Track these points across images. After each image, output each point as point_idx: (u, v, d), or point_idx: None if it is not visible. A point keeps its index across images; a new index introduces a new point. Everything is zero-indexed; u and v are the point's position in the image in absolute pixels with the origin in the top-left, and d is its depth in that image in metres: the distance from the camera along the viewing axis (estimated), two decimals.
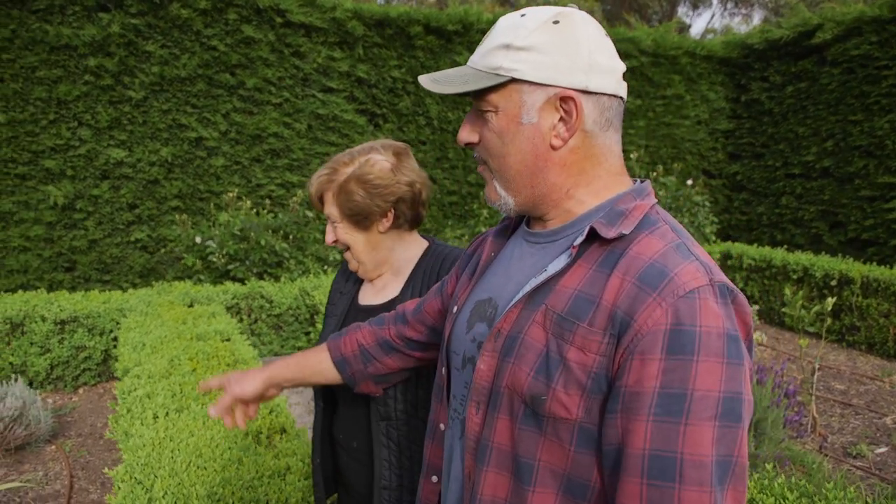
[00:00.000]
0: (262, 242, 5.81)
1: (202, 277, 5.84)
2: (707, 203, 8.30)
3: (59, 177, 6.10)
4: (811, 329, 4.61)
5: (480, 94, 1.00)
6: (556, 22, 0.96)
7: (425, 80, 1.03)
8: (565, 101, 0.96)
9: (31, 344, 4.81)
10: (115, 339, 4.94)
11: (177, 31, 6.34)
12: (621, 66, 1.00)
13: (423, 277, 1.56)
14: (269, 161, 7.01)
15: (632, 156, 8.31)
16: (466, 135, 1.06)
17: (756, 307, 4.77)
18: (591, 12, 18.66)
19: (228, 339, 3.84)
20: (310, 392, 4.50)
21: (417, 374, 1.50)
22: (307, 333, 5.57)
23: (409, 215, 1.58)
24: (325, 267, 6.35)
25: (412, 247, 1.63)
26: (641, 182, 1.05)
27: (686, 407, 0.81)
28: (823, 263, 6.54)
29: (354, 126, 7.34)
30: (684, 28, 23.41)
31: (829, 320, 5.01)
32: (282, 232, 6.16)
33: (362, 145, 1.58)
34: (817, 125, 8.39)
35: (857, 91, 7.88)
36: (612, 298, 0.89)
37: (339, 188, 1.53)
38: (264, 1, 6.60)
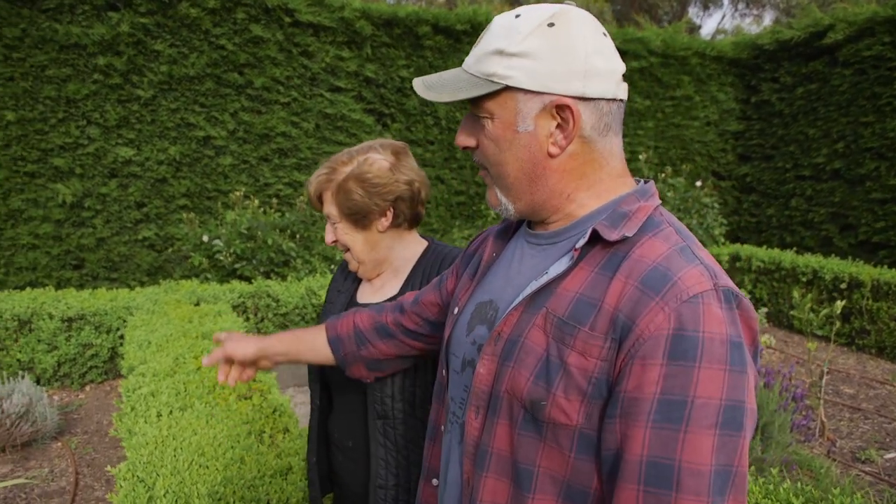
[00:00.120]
0: (269, 241, 5.81)
1: (209, 276, 5.85)
2: (716, 205, 8.26)
3: (68, 175, 6.12)
4: (820, 332, 4.58)
5: (476, 100, 0.98)
6: (551, 24, 0.93)
7: (419, 86, 1.02)
8: (562, 109, 0.93)
9: (39, 341, 4.83)
10: (122, 336, 4.95)
11: (185, 31, 6.35)
12: (620, 68, 0.97)
13: (422, 277, 1.55)
14: (277, 160, 7.02)
15: (640, 157, 8.28)
16: (464, 139, 1.04)
17: (764, 310, 4.74)
18: (600, 13, 18.63)
19: None
20: None
21: (415, 373, 1.49)
22: None
23: (409, 214, 1.57)
24: (332, 266, 6.35)
25: (411, 246, 1.63)
26: (645, 182, 1.03)
27: (686, 414, 0.79)
28: (833, 266, 6.49)
29: (362, 126, 7.34)
30: (694, 28, 23.33)
31: (838, 323, 4.97)
32: (289, 231, 6.16)
33: (361, 144, 1.57)
34: (828, 127, 8.33)
35: (869, 92, 7.82)
36: (614, 302, 0.87)
37: (337, 187, 1.52)
38: (273, 0, 6.61)
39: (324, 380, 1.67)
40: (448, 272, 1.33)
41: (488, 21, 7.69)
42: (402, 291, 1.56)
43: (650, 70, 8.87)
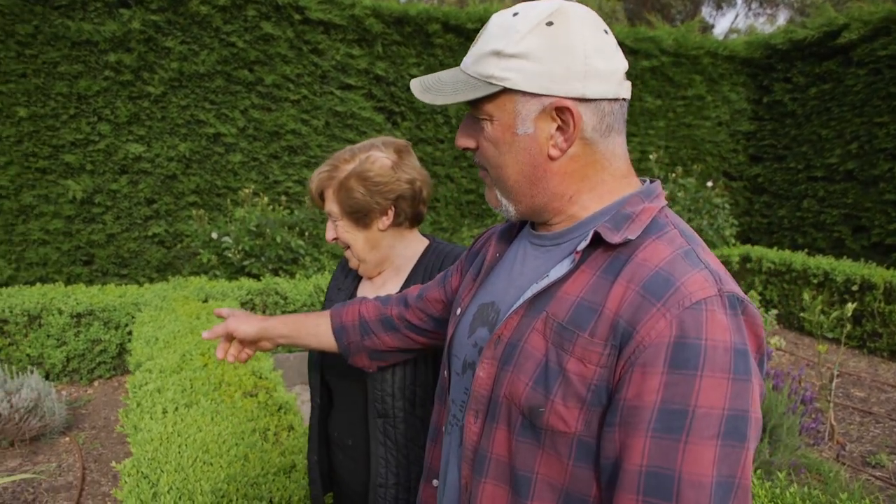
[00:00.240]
0: (278, 239, 5.82)
1: (218, 273, 5.86)
2: (727, 205, 8.20)
3: (79, 171, 6.15)
4: (831, 335, 4.53)
5: (474, 102, 0.96)
6: (549, 23, 0.90)
7: (416, 87, 1.00)
8: (561, 111, 0.91)
9: (48, 336, 4.85)
10: (130, 332, 4.97)
11: (196, 28, 6.36)
12: (622, 66, 0.94)
13: (423, 275, 1.54)
14: (287, 158, 7.03)
15: (651, 156, 8.23)
16: (463, 140, 1.02)
17: (775, 311, 4.70)
18: (612, 12, 18.55)
19: None
20: None
21: (416, 371, 1.48)
22: None
23: (410, 213, 1.56)
24: None
25: (413, 245, 1.62)
26: (651, 182, 1.00)
27: (687, 424, 0.77)
28: (845, 268, 6.43)
29: (372, 123, 7.34)
30: (707, 28, 23.21)
31: (849, 326, 4.92)
32: (297, 229, 6.17)
33: (363, 142, 1.56)
34: (841, 127, 8.26)
35: (884, 92, 7.74)
36: (614, 307, 0.85)
37: (339, 185, 1.52)
38: None
39: (323, 378, 1.66)
40: (452, 269, 1.31)
41: None
42: (403, 289, 1.55)
43: (662, 69, 8.82)
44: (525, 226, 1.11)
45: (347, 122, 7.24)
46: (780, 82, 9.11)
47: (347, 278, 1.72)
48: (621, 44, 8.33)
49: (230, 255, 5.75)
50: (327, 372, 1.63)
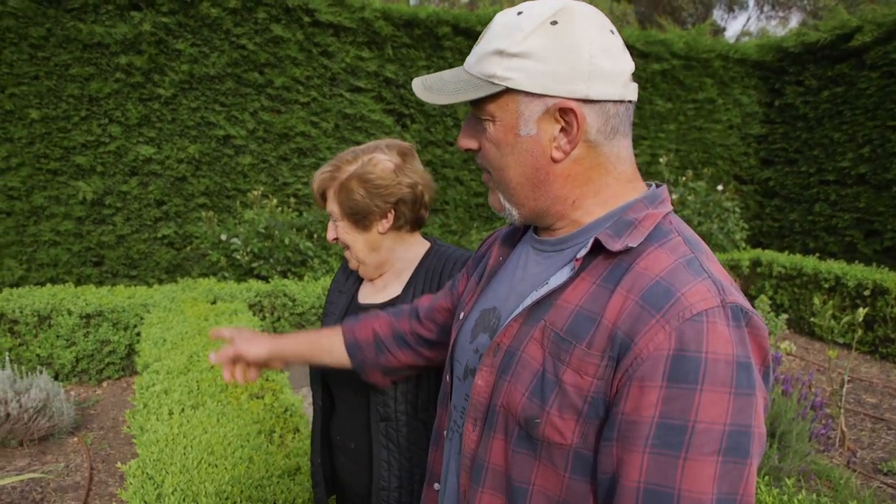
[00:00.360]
0: (287, 241, 5.83)
1: (226, 275, 5.88)
2: (737, 209, 8.15)
3: (90, 173, 6.18)
4: (841, 340, 4.49)
5: (477, 102, 0.94)
6: (554, 23, 0.87)
7: (417, 86, 0.98)
8: (565, 112, 0.88)
9: (58, 337, 4.88)
10: (139, 333, 4.99)
11: (206, 30, 6.39)
12: (629, 67, 0.92)
13: (425, 278, 1.54)
14: (296, 160, 7.04)
15: (661, 160, 8.20)
16: (465, 141, 1.00)
17: (785, 316, 4.66)
18: (623, 15, 18.51)
19: None
20: None
21: (418, 375, 1.48)
22: None
23: (410, 217, 1.55)
24: None
25: (414, 248, 1.61)
26: (657, 187, 0.98)
27: (686, 439, 0.75)
28: (857, 272, 6.38)
29: (382, 126, 7.35)
30: (719, 31, 23.12)
31: (860, 331, 4.87)
32: (306, 231, 6.18)
33: (367, 144, 1.56)
34: (854, 130, 8.20)
35: None
36: (613, 317, 0.82)
37: (340, 186, 1.51)
38: (293, 0, 6.63)
39: (325, 381, 1.66)
40: (460, 276, 1.30)
41: None
42: (405, 291, 1.55)
43: (672, 72, 8.78)
44: (529, 230, 1.09)
45: (357, 124, 7.25)
46: (792, 85, 9.06)
47: (348, 280, 1.71)
48: (631, 47, 8.31)
49: (239, 256, 5.77)
50: (329, 376, 1.62)
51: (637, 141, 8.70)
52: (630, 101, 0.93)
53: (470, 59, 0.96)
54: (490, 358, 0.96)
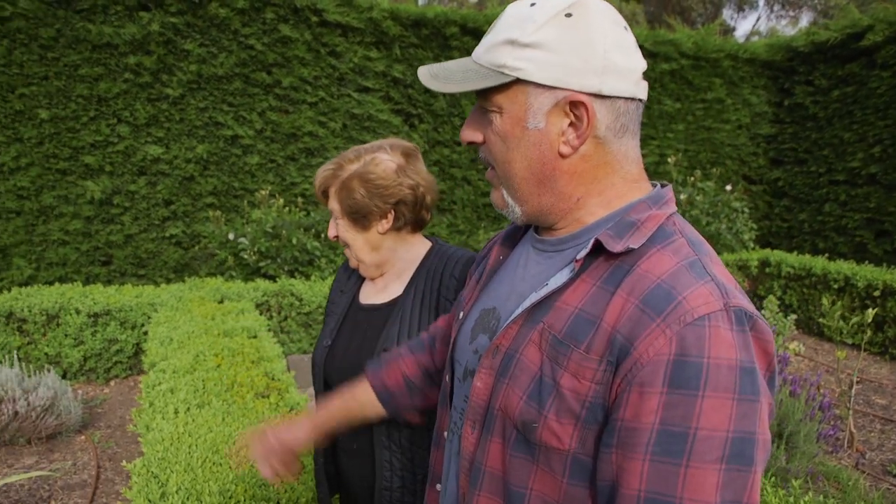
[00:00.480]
0: (294, 240, 5.84)
1: (234, 274, 5.89)
2: (746, 209, 8.11)
3: (98, 172, 6.21)
4: (851, 341, 4.45)
5: (484, 93, 0.92)
6: (568, 15, 0.85)
7: (424, 75, 0.96)
8: (575, 106, 0.86)
9: (66, 336, 4.90)
10: (147, 332, 5.01)
11: (215, 30, 6.41)
12: (641, 65, 0.90)
13: (426, 278, 1.53)
14: (304, 160, 7.05)
15: (669, 160, 8.16)
16: (470, 134, 0.97)
17: (794, 316, 4.63)
18: (632, 14, 18.46)
19: (255, 336, 3.86)
20: None
21: None
22: None
23: (410, 218, 1.54)
24: None
25: (415, 248, 1.60)
26: (661, 188, 0.95)
27: (688, 447, 0.73)
28: (866, 273, 6.33)
29: (389, 126, 7.35)
30: (728, 30, 23.02)
31: (869, 332, 4.84)
32: (313, 230, 6.18)
33: (372, 143, 1.55)
34: (864, 130, 8.14)
35: None
36: (612, 321, 0.80)
37: (341, 184, 1.51)
38: (301, 0, 6.64)
39: (327, 381, 1.65)
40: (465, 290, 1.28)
41: None
42: (406, 292, 1.54)
43: (681, 72, 8.75)
44: (530, 229, 1.08)
45: (365, 124, 7.26)
46: (802, 85, 9.01)
47: (350, 280, 1.71)
48: (640, 47, 8.15)
49: (246, 256, 5.78)
50: (330, 376, 1.62)
51: (646, 141, 8.67)
52: (640, 100, 0.91)
53: (479, 50, 0.93)
54: (489, 360, 0.95)
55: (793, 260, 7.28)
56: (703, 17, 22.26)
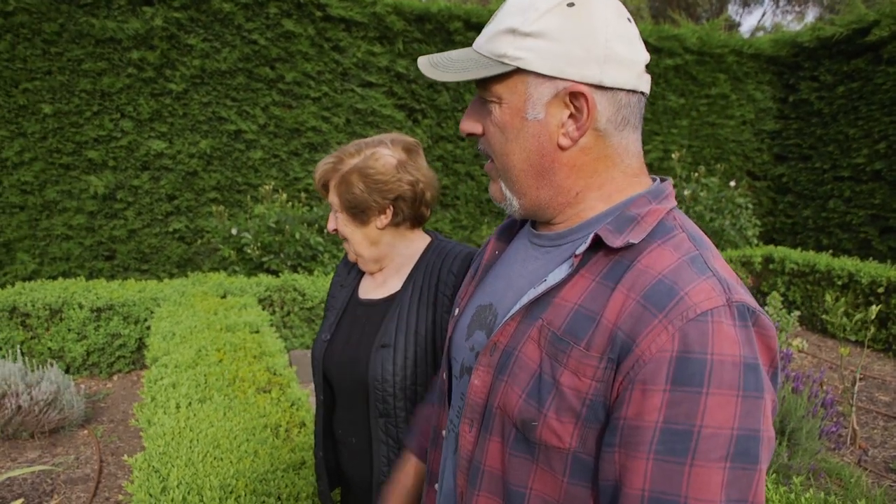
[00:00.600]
0: (297, 235, 5.84)
1: (237, 269, 5.90)
2: (750, 205, 8.09)
3: (101, 167, 6.22)
4: (854, 337, 4.44)
5: (484, 83, 0.90)
6: (570, 4, 0.84)
7: (424, 64, 0.94)
8: (576, 97, 0.85)
9: (69, 330, 4.91)
10: (150, 327, 5.02)
11: (218, 25, 6.41)
12: (644, 58, 0.88)
13: (424, 273, 1.53)
14: (307, 155, 7.05)
15: (673, 156, 8.14)
16: (469, 125, 0.96)
17: (797, 313, 4.62)
18: (637, 9, 18.39)
19: (257, 331, 3.87)
20: None
21: (416, 371, 1.47)
22: None
23: (409, 214, 1.54)
24: None
25: (414, 243, 1.60)
26: (661, 182, 0.94)
27: (692, 445, 0.72)
28: (870, 269, 6.31)
29: (393, 121, 7.34)
30: (733, 26, 22.94)
31: (873, 329, 4.82)
32: (317, 225, 6.18)
33: (373, 137, 1.54)
34: (870, 126, 8.11)
35: None
36: (613, 317, 0.79)
37: (341, 178, 1.51)
38: None
39: (326, 375, 1.65)
40: None
41: None
42: (404, 287, 1.54)
43: (685, 68, 8.72)
44: (526, 224, 1.06)
45: (368, 119, 7.25)
46: (807, 81, 8.97)
47: (350, 274, 1.71)
48: (644, 42, 8.19)
49: (249, 251, 5.78)
50: (329, 370, 1.62)
51: (649, 136, 8.66)
52: (643, 93, 0.90)
53: (480, 39, 0.92)
54: (487, 357, 0.93)
55: (797, 256, 7.25)
56: (708, 13, 22.17)
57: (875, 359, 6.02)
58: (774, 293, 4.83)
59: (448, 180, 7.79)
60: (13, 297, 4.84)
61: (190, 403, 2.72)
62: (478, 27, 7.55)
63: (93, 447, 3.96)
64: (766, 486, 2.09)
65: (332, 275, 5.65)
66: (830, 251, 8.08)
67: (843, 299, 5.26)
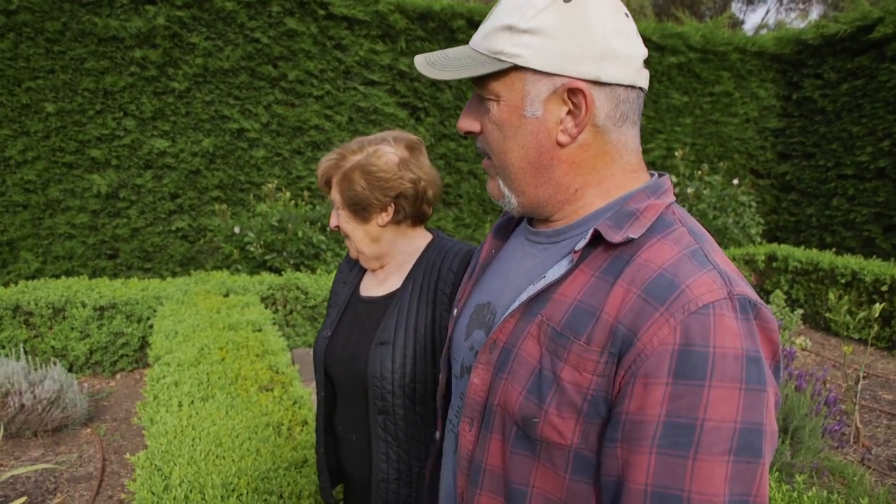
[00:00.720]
0: (300, 234, 5.84)
1: (239, 267, 5.90)
2: (753, 203, 8.07)
3: (104, 166, 6.23)
4: (857, 335, 4.43)
5: (481, 81, 0.90)
6: (567, 0, 0.84)
7: (421, 63, 0.94)
8: (573, 94, 0.84)
9: (72, 329, 4.92)
10: (152, 326, 5.02)
11: (221, 24, 6.41)
12: (641, 53, 0.88)
13: (424, 271, 1.52)
14: (310, 153, 7.05)
15: (677, 154, 8.13)
16: (467, 123, 0.95)
17: (800, 311, 4.61)
18: (640, 7, 18.37)
19: (260, 330, 3.87)
20: None
21: (416, 368, 1.47)
22: None
23: (410, 212, 1.54)
24: None
25: (416, 241, 1.60)
26: (660, 177, 0.93)
27: (695, 439, 0.71)
28: (874, 268, 6.29)
29: (396, 119, 7.34)
30: (737, 23, 22.89)
31: (876, 327, 4.81)
32: (319, 224, 6.18)
33: (376, 135, 1.54)
34: (873, 124, 8.08)
35: None
36: (613, 312, 0.78)
37: (343, 175, 1.51)
38: None
39: (327, 371, 1.66)
40: None
41: None
42: (404, 285, 1.54)
43: (689, 66, 8.70)
44: (523, 221, 1.06)
45: (371, 117, 7.25)
46: (811, 78, 8.95)
47: (352, 272, 1.71)
48: (648, 40, 8.24)
49: (252, 249, 5.78)
50: (330, 367, 1.62)
51: (653, 134, 8.64)
52: (641, 89, 0.89)
53: (476, 37, 0.91)
54: (486, 355, 0.93)
55: (800, 254, 7.24)
56: (712, 10, 22.13)
57: (878, 357, 6.00)
58: (778, 291, 4.82)
59: (451, 178, 7.78)
60: (16, 295, 4.85)
61: (192, 402, 2.72)
62: (480, 25, 7.54)
63: (95, 445, 3.97)
64: (769, 483, 2.08)
65: (334, 273, 5.65)
66: (834, 249, 8.06)
67: (846, 297, 5.24)
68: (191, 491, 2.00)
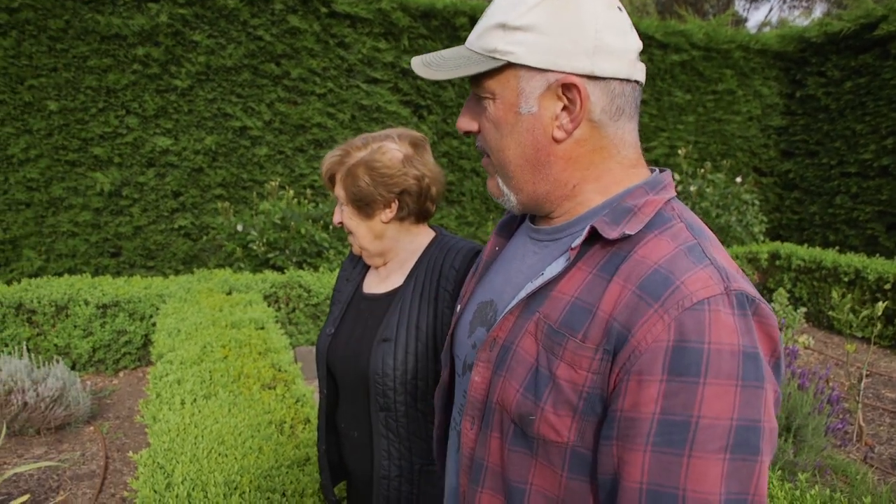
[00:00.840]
0: (303, 231, 5.84)
1: (242, 265, 5.91)
2: (756, 201, 8.06)
3: (107, 164, 6.23)
4: (860, 334, 4.42)
5: (477, 80, 0.90)
6: None
7: (417, 64, 0.94)
8: (568, 89, 0.84)
9: (75, 327, 4.93)
10: (155, 324, 5.03)
11: (223, 21, 6.41)
12: (636, 46, 0.87)
13: (426, 268, 1.53)
14: (312, 151, 7.05)
15: (680, 152, 8.12)
16: (465, 122, 0.96)
17: (804, 309, 4.60)
18: (643, 5, 18.34)
19: (262, 328, 3.87)
20: None
21: (417, 365, 1.47)
22: None
23: (414, 209, 1.54)
24: None
25: (419, 238, 1.60)
26: (660, 172, 0.93)
27: (690, 436, 0.70)
28: (877, 266, 6.28)
29: (398, 117, 7.34)
30: (740, 21, 22.84)
31: (879, 325, 4.80)
32: (322, 222, 6.18)
33: (381, 131, 1.55)
34: (877, 122, 8.07)
35: None
36: (609, 308, 0.78)
37: (347, 171, 1.51)
38: None
39: (329, 368, 1.66)
40: None
41: None
42: (406, 282, 1.54)
43: (692, 64, 8.69)
44: (525, 219, 1.06)
45: (373, 115, 7.24)
46: (814, 76, 8.93)
47: (356, 269, 1.72)
48: (650, 37, 8.23)
49: (255, 247, 5.79)
50: (332, 364, 1.62)
51: (655, 132, 8.63)
52: (637, 82, 0.89)
53: (471, 36, 0.92)
54: (486, 353, 0.93)
55: (803, 253, 7.23)
56: (715, 8, 22.08)
57: (881, 355, 5.99)
58: (781, 290, 4.82)
59: (454, 176, 7.78)
60: (19, 293, 4.86)
61: (195, 400, 2.73)
62: None
63: (98, 443, 3.97)
64: (771, 482, 2.08)
65: (337, 271, 5.65)
66: (837, 247, 8.05)
67: (849, 296, 5.23)
68: (193, 489, 2.00)
